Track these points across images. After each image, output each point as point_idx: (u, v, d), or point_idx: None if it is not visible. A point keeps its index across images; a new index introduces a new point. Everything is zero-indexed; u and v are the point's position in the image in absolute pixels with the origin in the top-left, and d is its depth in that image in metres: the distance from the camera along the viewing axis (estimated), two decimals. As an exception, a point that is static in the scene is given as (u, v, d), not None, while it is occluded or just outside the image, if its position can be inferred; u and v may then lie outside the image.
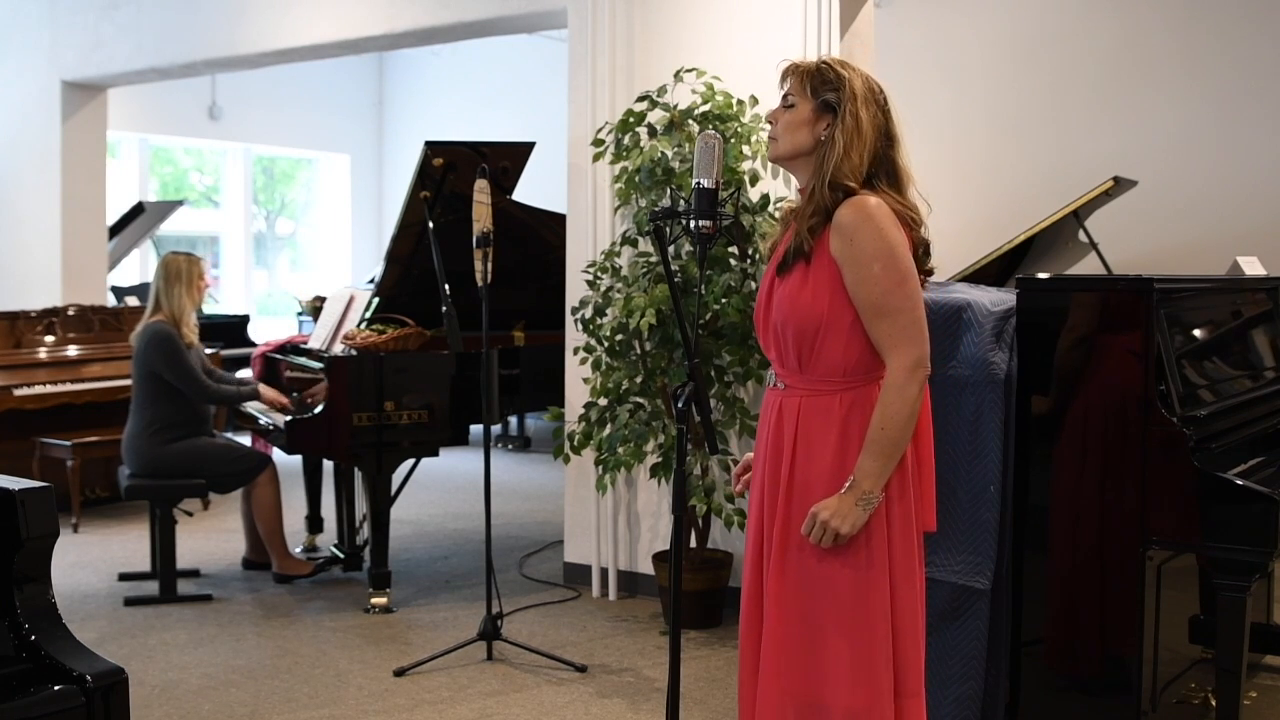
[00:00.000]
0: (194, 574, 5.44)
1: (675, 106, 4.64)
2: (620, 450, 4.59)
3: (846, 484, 2.34)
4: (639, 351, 4.63)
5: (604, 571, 5.15)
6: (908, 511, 2.42)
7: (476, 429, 5.29)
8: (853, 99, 2.39)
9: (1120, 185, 5.62)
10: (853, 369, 2.39)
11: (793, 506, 2.41)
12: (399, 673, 4.15)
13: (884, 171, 2.41)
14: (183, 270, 5.25)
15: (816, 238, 2.38)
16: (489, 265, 4.29)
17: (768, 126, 2.50)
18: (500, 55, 10.41)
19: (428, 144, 5.18)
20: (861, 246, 2.33)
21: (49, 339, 6.69)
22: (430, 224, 5.11)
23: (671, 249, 4.59)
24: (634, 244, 4.74)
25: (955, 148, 7.66)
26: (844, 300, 2.36)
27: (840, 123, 2.38)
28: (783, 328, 2.42)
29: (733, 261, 4.51)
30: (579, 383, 5.00)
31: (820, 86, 2.41)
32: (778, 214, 4.56)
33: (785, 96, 2.45)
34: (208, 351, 5.70)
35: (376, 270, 5.70)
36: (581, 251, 5.13)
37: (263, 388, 5.39)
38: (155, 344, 5.11)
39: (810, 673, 2.38)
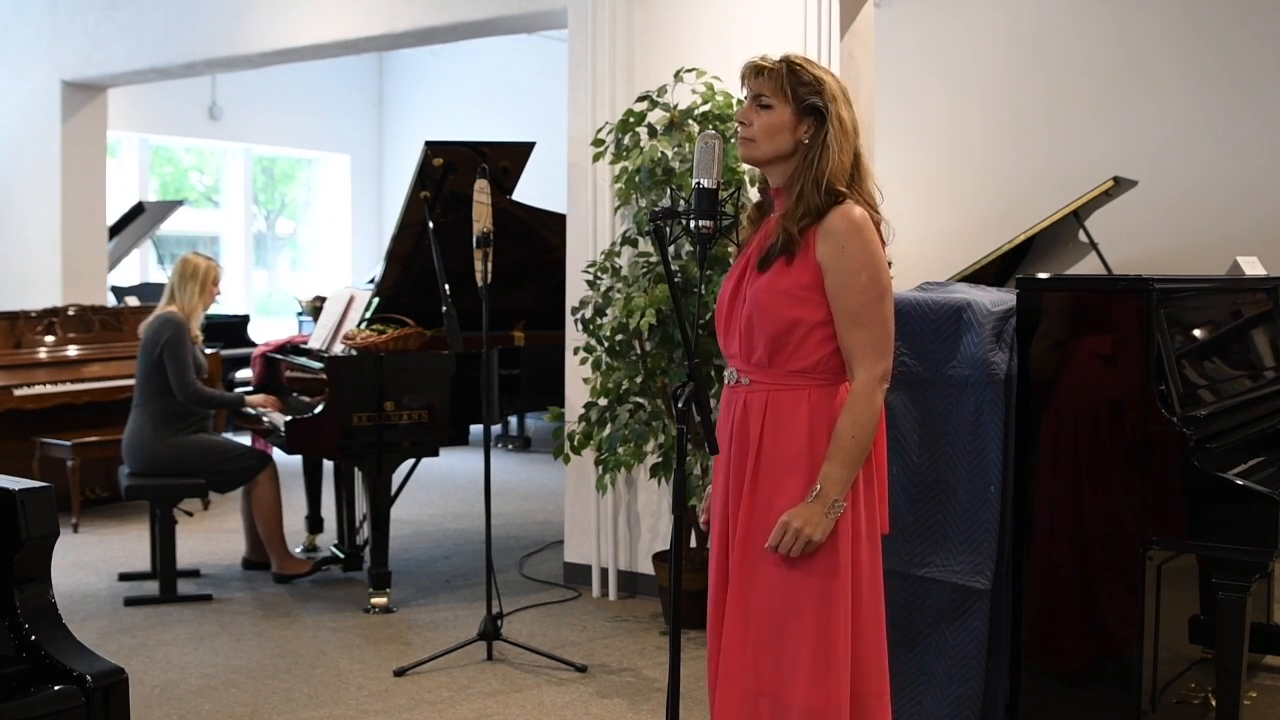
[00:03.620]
0: (194, 574, 5.44)
1: (675, 106, 4.64)
2: (620, 450, 4.59)
3: (813, 492, 2.35)
4: (639, 351, 4.63)
5: (604, 571, 5.15)
6: (873, 515, 2.46)
7: (476, 429, 5.28)
8: (834, 100, 2.41)
9: (1120, 185, 5.62)
10: (821, 368, 2.42)
11: (757, 502, 2.43)
12: (399, 673, 4.15)
13: (856, 164, 2.44)
14: (199, 270, 5.32)
15: (804, 237, 2.39)
16: (489, 265, 4.29)
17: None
18: (500, 55, 10.41)
19: (428, 144, 5.18)
20: (852, 254, 2.36)
21: (49, 339, 6.69)
22: (430, 224, 5.11)
23: (671, 249, 4.59)
24: (634, 244, 4.74)
25: (954, 148, 7.67)
26: (822, 301, 2.39)
27: (830, 126, 2.39)
28: (756, 321, 2.42)
29: (732, 262, 4.50)
30: (579, 383, 5.00)
31: (799, 89, 2.40)
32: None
33: (759, 98, 2.44)
34: (208, 351, 5.72)
35: (376, 270, 5.70)
36: (581, 251, 5.13)
37: (249, 398, 5.41)
38: (165, 328, 5.16)
39: (771, 672, 2.40)
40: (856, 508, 2.41)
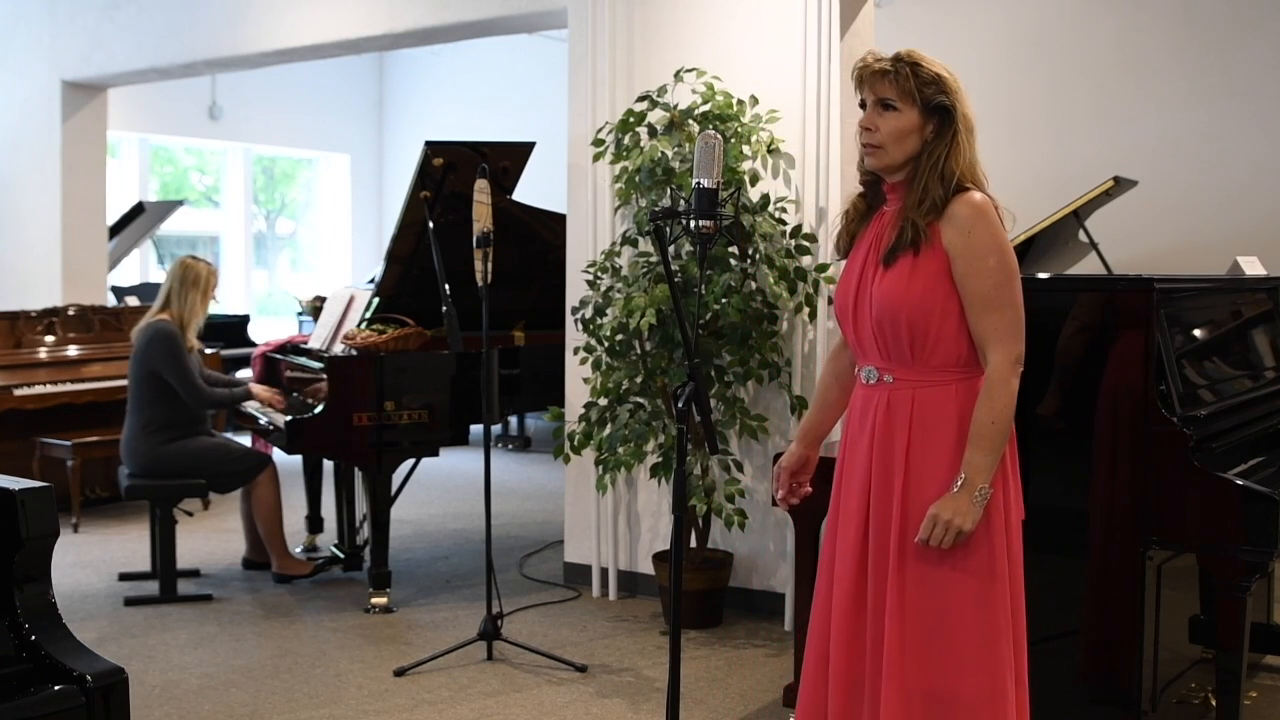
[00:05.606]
0: (194, 574, 5.43)
1: (675, 106, 4.64)
2: (620, 450, 4.59)
3: (958, 482, 2.35)
4: (639, 351, 4.63)
5: (604, 571, 5.15)
6: (1017, 502, 2.47)
7: (476, 429, 5.29)
8: (956, 94, 2.41)
9: (1120, 185, 5.62)
10: (965, 359, 2.41)
11: (910, 503, 2.40)
12: (399, 673, 4.15)
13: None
14: (201, 277, 5.29)
15: (929, 228, 2.39)
16: (489, 265, 4.29)
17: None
18: (500, 55, 10.41)
19: (428, 144, 5.18)
20: (979, 239, 2.36)
21: (49, 339, 6.70)
22: (430, 224, 5.11)
23: (671, 249, 4.59)
24: (634, 244, 4.74)
25: (955, 148, 7.65)
26: (953, 290, 2.38)
27: (959, 125, 2.41)
28: (893, 319, 2.39)
29: (733, 261, 4.51)
30: (579, 383, 5.00)
31: (925, 88, 2.39)
32: (777, 214, 4.57)
33: (883, 102, 2.40)
34: (208, 351, 5.76)
35: (376, 270, 5.70)
36: (581, 251, 5.13)
37: (254, 387, 5.41)
38: (158, 341, 5.12)
39: (934, 665, 2.39)
40: (1006, 496, 2.41)
